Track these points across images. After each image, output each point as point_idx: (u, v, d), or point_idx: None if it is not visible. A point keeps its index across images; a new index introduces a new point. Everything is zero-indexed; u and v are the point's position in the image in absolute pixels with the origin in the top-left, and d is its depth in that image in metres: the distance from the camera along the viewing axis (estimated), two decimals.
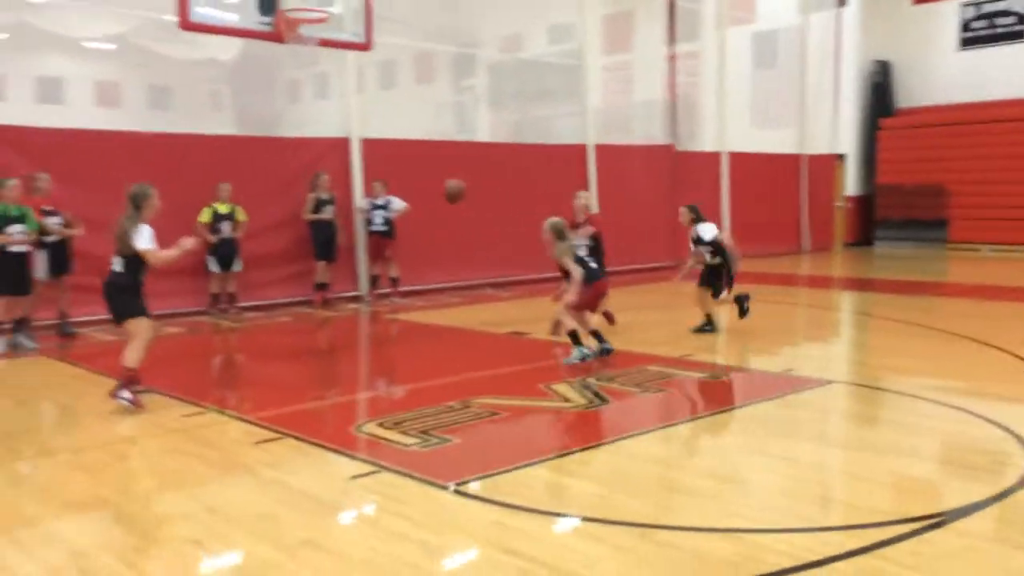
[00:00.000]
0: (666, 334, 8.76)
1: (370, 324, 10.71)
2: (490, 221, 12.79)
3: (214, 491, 4.37)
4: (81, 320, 9.34)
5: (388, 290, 11.93)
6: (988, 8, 19.15)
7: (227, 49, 20.01)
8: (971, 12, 19.42)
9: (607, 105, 19.37)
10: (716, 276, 8.61)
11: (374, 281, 12.03)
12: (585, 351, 7.14)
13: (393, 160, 12.11)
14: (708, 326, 8.65)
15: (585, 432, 5.49)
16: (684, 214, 8.90)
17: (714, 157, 17.59)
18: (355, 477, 4.49)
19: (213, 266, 10.57)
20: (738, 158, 17.83)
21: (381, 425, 5.43)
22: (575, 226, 8.42)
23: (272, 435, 5.25)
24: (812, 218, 19.76)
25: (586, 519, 3.84)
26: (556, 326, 7.63)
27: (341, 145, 11.99)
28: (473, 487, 4.24)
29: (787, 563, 3.30)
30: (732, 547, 3.47)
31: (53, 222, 8.73)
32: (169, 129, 11.61)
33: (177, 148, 10.72)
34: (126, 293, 5.98)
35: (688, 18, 18.35)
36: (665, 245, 15.50)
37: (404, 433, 5.21)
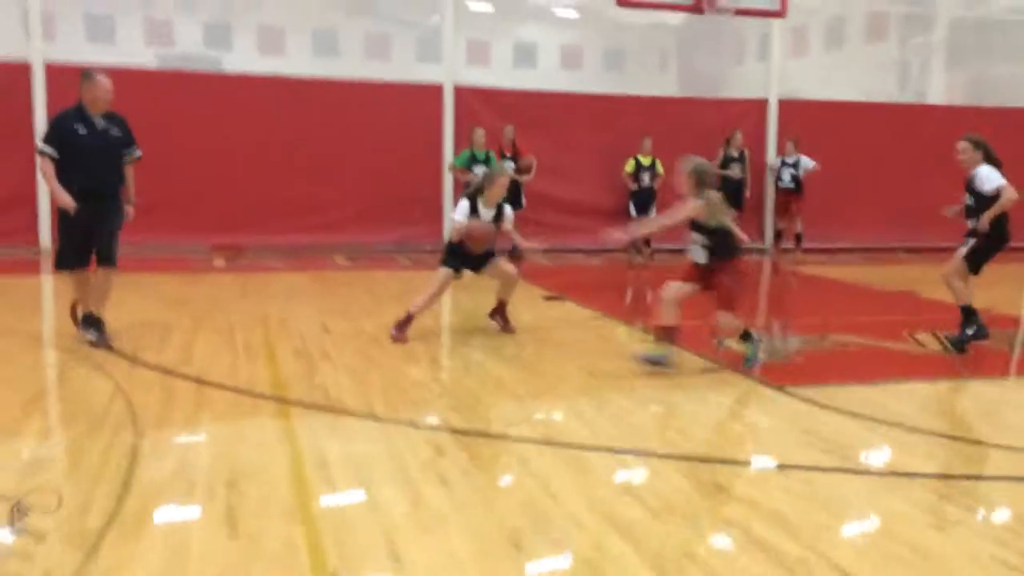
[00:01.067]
0: None
1: (769, 273, 11.51)
2: (906, 185, 12.65)
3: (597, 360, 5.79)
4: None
5: (791, 245, 12.53)
6: None
7: (676, 14, 21.56)
8: None
9: None
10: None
11: (778, 235, 12.71)
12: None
13: (811, 121, 12.60)
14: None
15: (922, 368, 5.90)
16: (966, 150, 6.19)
17: None
18: (704, 371, 5.59)
19: (632, 211, 12.17)
20: None
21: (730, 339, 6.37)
22: None
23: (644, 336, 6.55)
24: None
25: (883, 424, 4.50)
26: None
27: (759, 106, 12.79)
28: (795, 390, 5.08)
29: None
30: None
31: (508, 166, 10.96)
32: (621, 90, 13.45)
33: (613, 107, 12.47)
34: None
35: None
36: None
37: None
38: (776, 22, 12.59)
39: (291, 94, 11.64)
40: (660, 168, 12.11)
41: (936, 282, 6.62)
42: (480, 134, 10.89)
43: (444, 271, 6.34)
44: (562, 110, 12.42)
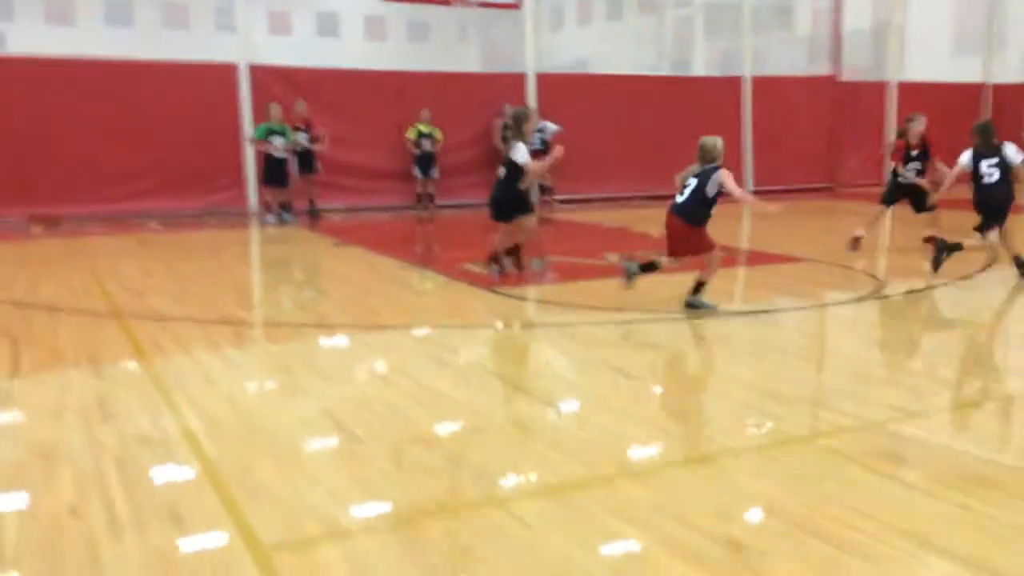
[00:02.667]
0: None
1: None
2: (654, 144, 15.18)
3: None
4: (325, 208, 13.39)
5: (544, 198, 15.02)
6: None
7: None
8: None
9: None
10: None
11: (542, 190, 15.12)
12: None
13: (564, 92, 15.02)
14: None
15: (594, 272, 8.32)
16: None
17: (875, 88, 18.65)
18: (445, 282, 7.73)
19: (417, 172, 14.17)
20: (907, 88, 18.77)
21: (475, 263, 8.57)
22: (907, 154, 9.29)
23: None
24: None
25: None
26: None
27: (520, 80, 15.08)
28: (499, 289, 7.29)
29: None
30: None
31: (301, 137, 12.66)
32: (423, 62, 15.28)
33: (401, 82, 14.40)
34: (507, 198, 7.58)
35: None
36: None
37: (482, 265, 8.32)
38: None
39: (87, 75, 12.70)
40: (439, 135, 14.15)
41: (646, 219, 9.17)
42: (276, 109, 12.53)
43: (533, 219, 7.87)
44: (356, 85, 14.15)
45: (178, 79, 13.04)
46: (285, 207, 12.75)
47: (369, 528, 2.96)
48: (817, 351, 5.79)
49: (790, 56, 21.87)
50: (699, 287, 6.32)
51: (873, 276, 8.04)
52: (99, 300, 6.95)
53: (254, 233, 12.03)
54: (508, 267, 7.74)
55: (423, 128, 14.10)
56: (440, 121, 14.16)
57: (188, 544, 2.81)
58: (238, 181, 13.23)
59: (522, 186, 7.58)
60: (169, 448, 3.65)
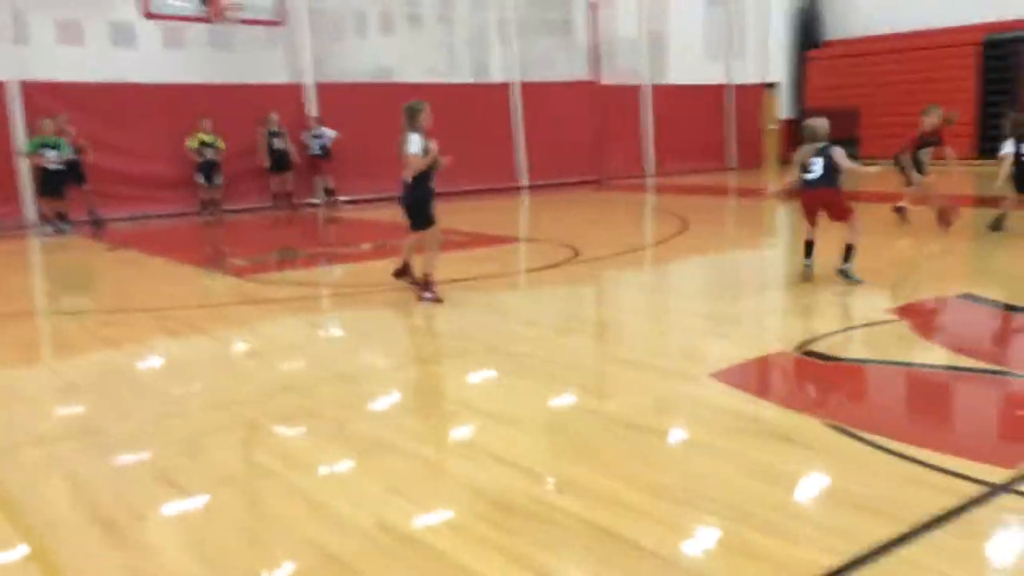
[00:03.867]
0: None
1: (317, 218, 14.89)
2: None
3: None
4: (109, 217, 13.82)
5: (325, 199, 16.06)
6: None
7: None
8: None
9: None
10: None
11: (327, 192, 16.15)
12: None
13: (345, 100, 16.08)
14: None
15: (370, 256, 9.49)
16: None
17: (633, 90, 20.91)
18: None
19: (200, 179, 14.83)
20: (662, 90, 21.14)
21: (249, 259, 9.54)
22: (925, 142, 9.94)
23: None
24: (740, 140, 22.89)
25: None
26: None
27: (297, 90, 16.02)
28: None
29: None
30: None
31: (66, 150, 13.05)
32: (229, 74, 15.83)
33: (179, 94, 14.97)
34: (416, 202, 6.75)
35: None
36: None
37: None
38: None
39: None
40: (221, 143, 14.86)
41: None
42: (48, 124, 12.89)
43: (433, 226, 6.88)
44: (134, 97, 14.60)
45: None
46: (62, 217, 13.13)
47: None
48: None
49: (571, 62, 23.75)
50: (849, 252, 6.84)
51: (572, 248, 9.64)
52: None
53: (32, 243, 12.38)
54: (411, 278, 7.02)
55: (204, 137, 14.77)
56: (222, 130, 14.88)
57: None
58: (10, 194, 13.44)
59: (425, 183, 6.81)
60: None
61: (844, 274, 6.85)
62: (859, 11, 22.66)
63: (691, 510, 3.02)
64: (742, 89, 22.87)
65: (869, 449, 3.47)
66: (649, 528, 2.87)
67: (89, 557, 2.87)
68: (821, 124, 6.92)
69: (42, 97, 13.60)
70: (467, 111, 17.06)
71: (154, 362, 5.56)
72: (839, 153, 6.80)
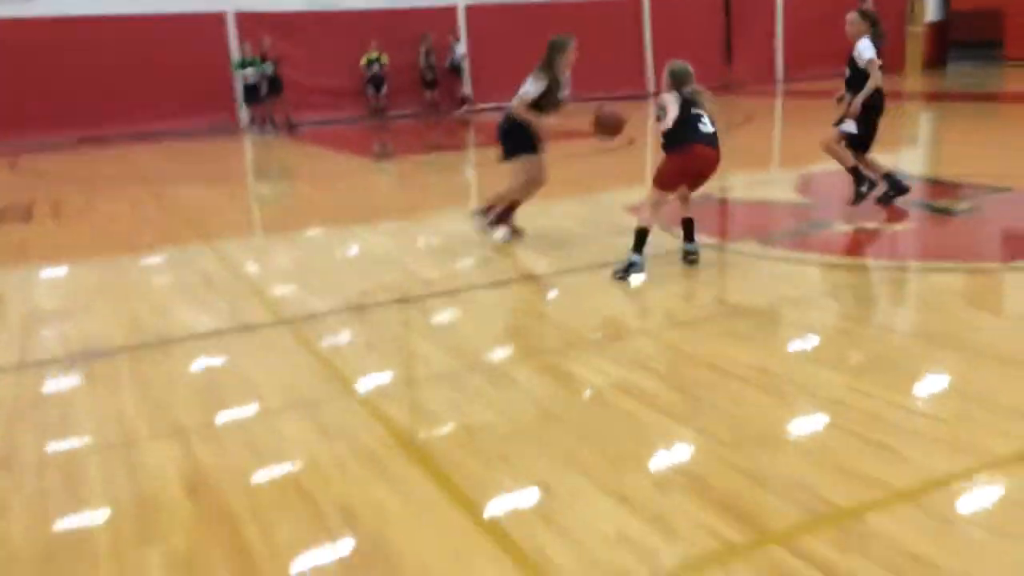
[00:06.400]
0: None
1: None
2: None
3: None
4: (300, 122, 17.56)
5: (462, 108, 18.96)
6: None
7: None
8: None
9: None
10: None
11: (462, 100, 19.06)
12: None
13: (489, 21, 18.82)
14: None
15: None
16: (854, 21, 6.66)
17: None
18: None
19: (369, 90, 18.20)
20: None
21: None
22: None
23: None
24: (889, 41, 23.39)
25: None
26: None
27: (452, 11, 18.88)
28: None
29: None
30: None
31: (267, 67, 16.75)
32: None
33: (352, 18, 18.33)
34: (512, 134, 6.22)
35: None
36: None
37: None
38: None
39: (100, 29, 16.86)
40: (385, 59, 18.12)
41: None
42: (246, 46, 16.75)
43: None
44: (317, 24, 18.13)
45: (175, 28, 17.11)
46: (265, 121, 17.02)
47: None
48: None
49: None
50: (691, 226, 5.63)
51: None
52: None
53: (245, 141, 16.28)
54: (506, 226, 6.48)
55: (372, 55, 18.08)
56: (386, 48, 18.14)
57: None
58: (229, 103, 17.45)
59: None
60: None
61: (692, 254, 5.61)
62: None
63: None
64: None
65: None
66: None
67: None
68: (688, 66, 5.47)
69: (249, 24, 17.36)
70: (600, 24, 19.34)
71: None
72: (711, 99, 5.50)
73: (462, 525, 2.68)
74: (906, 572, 2.29)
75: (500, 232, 6.50)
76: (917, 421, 3.22)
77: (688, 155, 5.33)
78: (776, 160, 11.39)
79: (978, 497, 2.68)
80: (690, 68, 5.45)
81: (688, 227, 5.64)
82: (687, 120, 5.30)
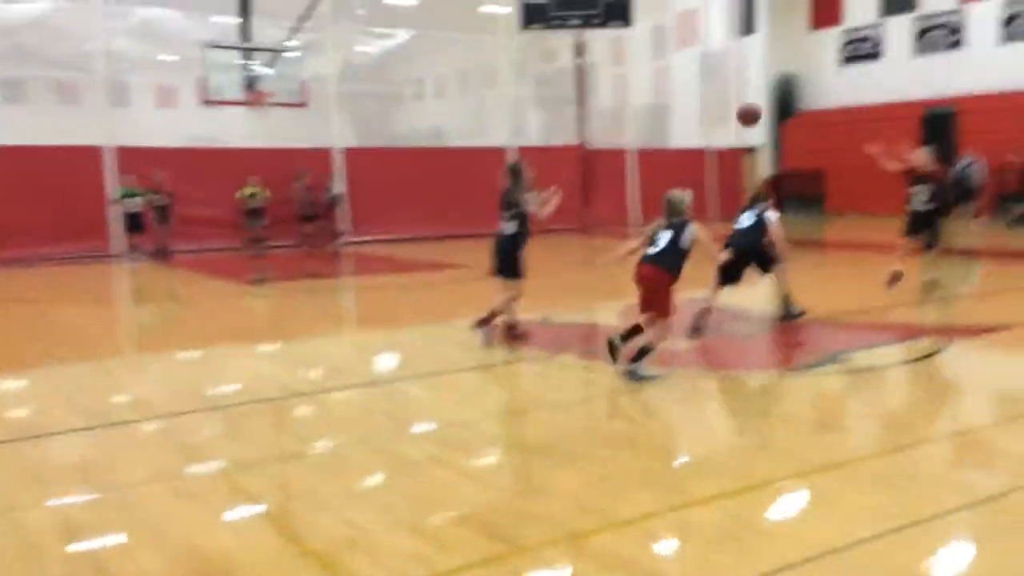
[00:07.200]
0: None
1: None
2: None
3: None
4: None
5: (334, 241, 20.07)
6: (855, 35, 24.88)
7: None
8: (845, 37, 25.17)
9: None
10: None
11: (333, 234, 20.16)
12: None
13: (364, 162, 20.22)
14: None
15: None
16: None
17: (621, 154, 24.55)
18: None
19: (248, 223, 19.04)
20: (643, 153, 24.74)
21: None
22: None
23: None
24: (721, 194, 26.19)
25: None
26: None
27: (326, 153, 20.20)
28: None
29: None
30: None
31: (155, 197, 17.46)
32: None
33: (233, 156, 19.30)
34: (517, 253, 7.26)
35: None
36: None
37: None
38: None
39: None
40: (265, 192, 19.07)
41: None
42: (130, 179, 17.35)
43: None
44: (197, 160, 19.02)
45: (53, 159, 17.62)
46: (141, 248, 17.54)
47: None
48: None
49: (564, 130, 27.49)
50: (643, 353, 5.90)
51: None
52: None
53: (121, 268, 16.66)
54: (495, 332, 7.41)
55: (251, 189, 19.01)
56: (267, 183, 19.11)
57: None
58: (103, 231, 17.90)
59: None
60: None
61: (631, 374, 5.91)
62: (827, 86, 25.87)
63: None
64: (723, 153, 26.25)
65: None
66: None
67: None
68: (681, 198, 6.14)
69: (129, 157, 18.05)
70: (466, 171, 21.07)
71: None
72: (693, 234, 6.00)
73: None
74: None
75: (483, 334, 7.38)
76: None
77: (635, 273, 6.13)
78: (609, 292, 12.74)
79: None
80: (676, 199, 6.12)
81: (642, 351, 5.94)
82: (648, 245, 6.11)
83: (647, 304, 6.03)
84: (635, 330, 6.03)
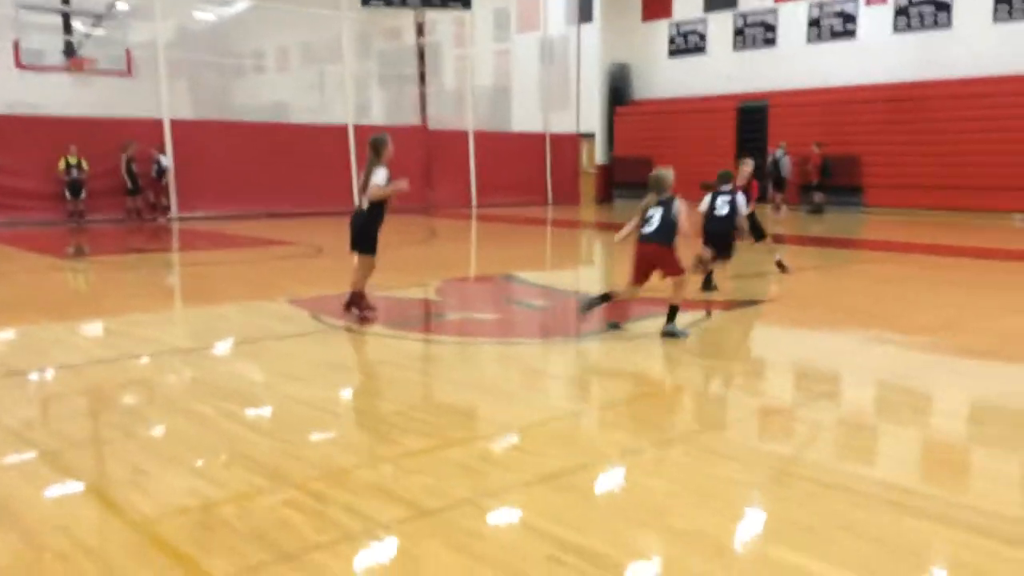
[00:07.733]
0: None
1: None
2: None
3: None
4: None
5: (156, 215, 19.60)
6: (683, 28, 26.38)
7: None
8: (673, 30, 26.64)
9: None
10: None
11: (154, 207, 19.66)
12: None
13: (191, 135, 19.71)
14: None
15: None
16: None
17: (463, 135, 25.02)
18: None
19: (67, 194, 18.22)
20: (483, 136, 25.30)
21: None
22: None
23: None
24: (556, 180, 27.14)
25: None
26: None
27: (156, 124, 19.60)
28: None
29: None
30: None
31: None
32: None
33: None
34: (369, 228, 7.31)
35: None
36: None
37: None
38: None
39: None
40: (85, 165, 18.29)
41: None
42: None
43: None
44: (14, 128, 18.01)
45: None
46: None
47: None
48: None
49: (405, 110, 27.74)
50: (673, 313, 6.79)
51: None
52: None
53: None
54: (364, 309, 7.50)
55: (71, 159, 18.19)
56: (88, 154, 18.33)
57: None
58: None
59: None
60: None
61: (670, 334, 6.75)
62: (657, 77, 27.29)
63: None
64: (561, 137, 27.21)
65: None
66: None
67: None
68: (666, 174, 6.82)
69: None
70: (306, 148, 20.95)
71: None
72: (678, 208, 6.72)
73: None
74: None
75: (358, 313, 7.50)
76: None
77: (635, 252, 6.88)
78: (431, 269, 13.17)
79: None
80: (662, 177, 6.84)
81: (671, 311, 6.81)
82: (641, 224, 6.82)
83: (643, 276, 6.89)
84: (605, 297, 7.11)
